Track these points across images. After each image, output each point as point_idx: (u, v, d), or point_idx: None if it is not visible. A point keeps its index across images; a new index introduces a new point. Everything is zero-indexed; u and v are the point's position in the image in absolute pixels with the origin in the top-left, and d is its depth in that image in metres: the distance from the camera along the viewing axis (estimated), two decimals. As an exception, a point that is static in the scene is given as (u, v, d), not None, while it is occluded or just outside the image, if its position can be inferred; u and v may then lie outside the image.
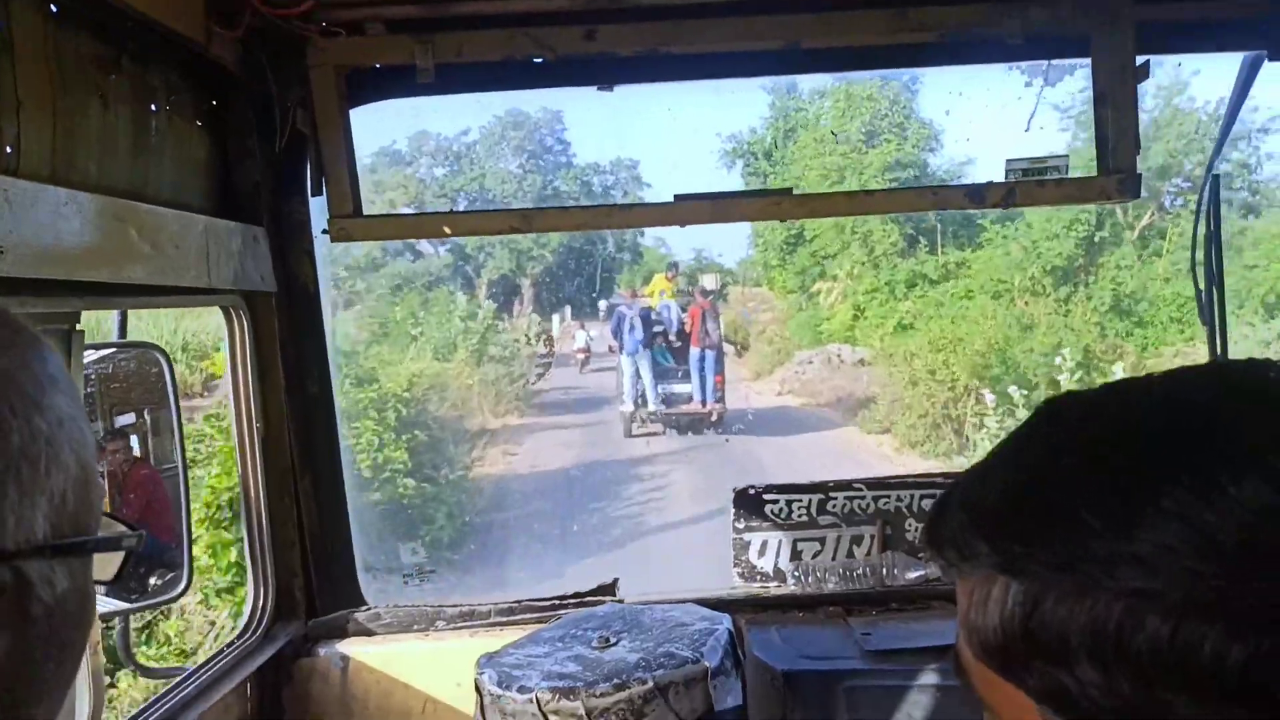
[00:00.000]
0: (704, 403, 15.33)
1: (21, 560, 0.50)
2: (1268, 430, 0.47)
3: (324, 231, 1.96)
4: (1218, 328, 2.21)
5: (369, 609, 2.25)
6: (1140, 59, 1.87)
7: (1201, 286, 2.22)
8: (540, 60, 1.93)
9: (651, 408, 15.59)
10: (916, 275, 20.42)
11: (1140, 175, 1.91)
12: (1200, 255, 2.20)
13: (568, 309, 30.84)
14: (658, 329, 16.07)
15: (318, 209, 2.06)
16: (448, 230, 1.97)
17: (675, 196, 1.98)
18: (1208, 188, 2.16)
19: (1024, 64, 2.19)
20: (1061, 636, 0.49)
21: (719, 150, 25.84)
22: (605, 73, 2.02)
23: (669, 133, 45.56)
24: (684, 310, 16.13)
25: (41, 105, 1.38)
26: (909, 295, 19.99)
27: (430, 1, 1.77)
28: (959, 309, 18.15)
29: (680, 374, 15.71)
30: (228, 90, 1.91)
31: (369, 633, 2.22)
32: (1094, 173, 1.95)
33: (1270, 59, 2.07)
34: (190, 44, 1.72)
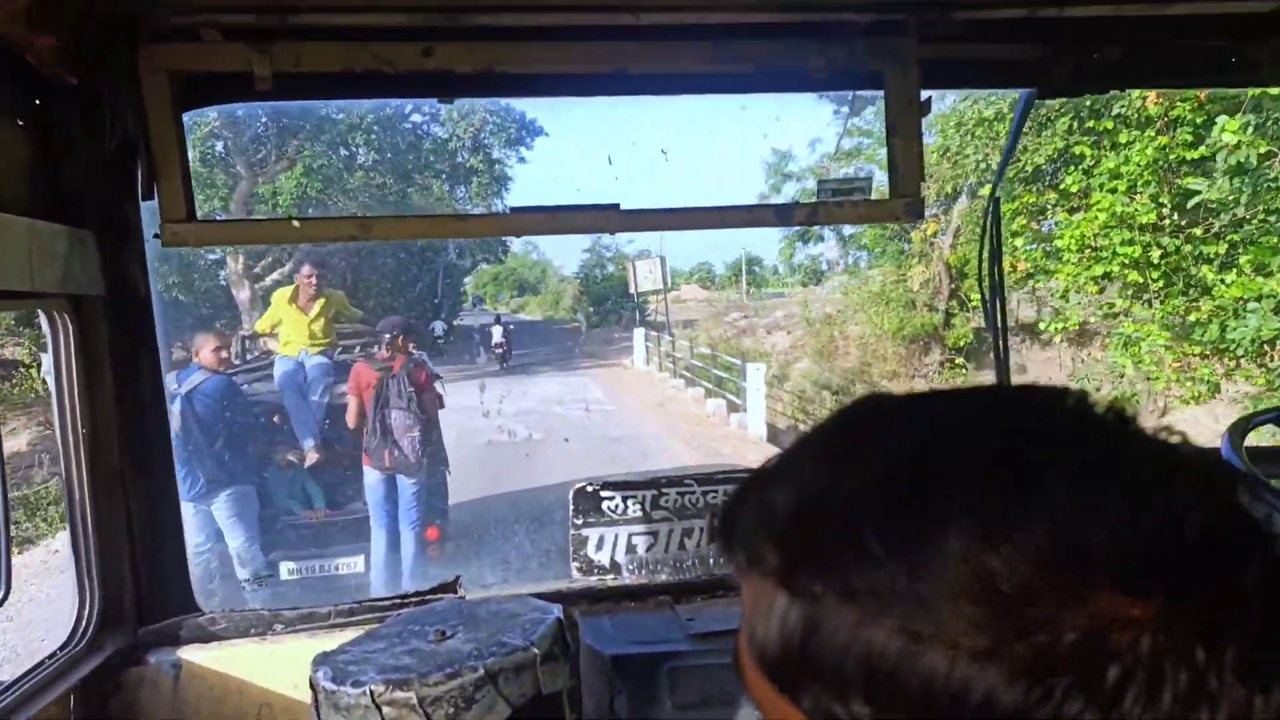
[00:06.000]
0: None
1: None
2: (1060, 473, 0.46)
3: (155, 236, 1.95)
4: (1000, 332, 2.50)
5: (203, 615, 2.23)
6: (925, 94, 2.09)
7: (988, 297, 2.51)
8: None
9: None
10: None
11: (923, 199, 2.13)
12: (985, 270, 2.48)
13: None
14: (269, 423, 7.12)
15: (150, 212, 2.04)
16: (284, 237, 2.00)
17: (511, 209, 2.07)
18: (990, 211, 2.43)
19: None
20: (837, 666, 0.47)
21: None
22: (444, 85, 2.09)
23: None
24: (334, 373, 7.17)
25: None
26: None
27: (268, 11, 1.79)
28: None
29: (339, 528, 6.94)
30: (52, 91, 1.87)
31: (203, 639, 2.20)
32: (887, 195, 2.17)
33: (1040, 96, 2.35)
34: (7, 42, 1.69)
